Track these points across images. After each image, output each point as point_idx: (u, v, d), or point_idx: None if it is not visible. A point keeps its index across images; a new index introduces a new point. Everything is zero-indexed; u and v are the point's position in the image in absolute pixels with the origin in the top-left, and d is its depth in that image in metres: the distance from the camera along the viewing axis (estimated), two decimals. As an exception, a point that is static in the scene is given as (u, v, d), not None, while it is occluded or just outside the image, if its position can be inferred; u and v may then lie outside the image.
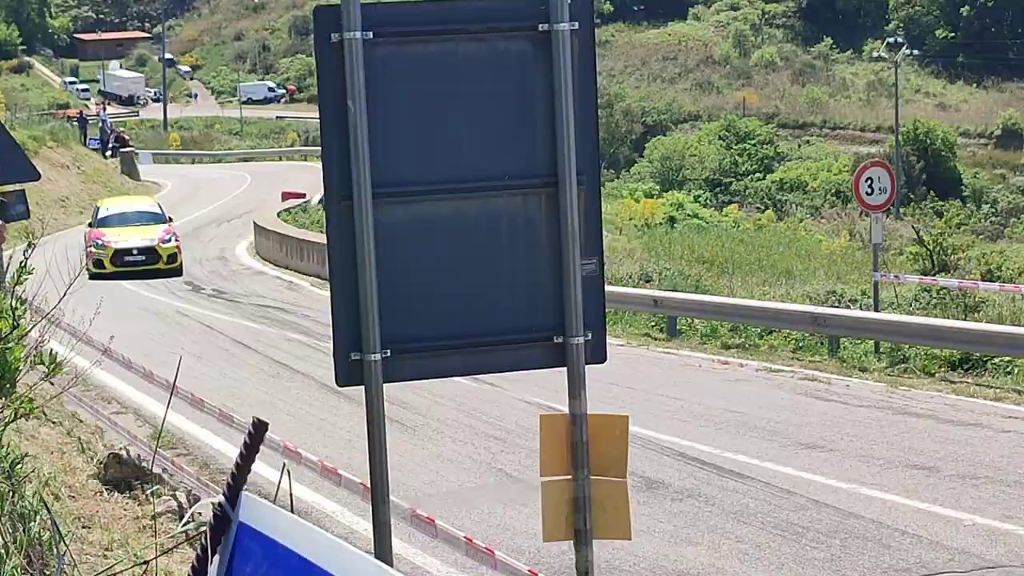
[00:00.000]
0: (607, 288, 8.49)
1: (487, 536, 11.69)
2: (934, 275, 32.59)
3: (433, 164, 7.55)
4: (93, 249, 39.29)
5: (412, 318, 7.56)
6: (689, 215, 76.44)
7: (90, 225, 41.31)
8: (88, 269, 36.47)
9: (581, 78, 7.62)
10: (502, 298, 7.69)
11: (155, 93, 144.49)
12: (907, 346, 22.74)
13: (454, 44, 7.54)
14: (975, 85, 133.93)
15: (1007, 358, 21.49)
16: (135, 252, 39.45)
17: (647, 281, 34.25)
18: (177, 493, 12.93)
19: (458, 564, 11.18)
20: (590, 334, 7.75)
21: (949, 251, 36.33)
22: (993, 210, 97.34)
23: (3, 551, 7.60)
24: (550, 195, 7.63)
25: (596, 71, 7.80)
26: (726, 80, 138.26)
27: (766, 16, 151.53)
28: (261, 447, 4.78)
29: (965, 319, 24.34)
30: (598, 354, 7.82)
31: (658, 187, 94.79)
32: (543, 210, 7.66)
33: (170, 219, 42.02)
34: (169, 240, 40.21)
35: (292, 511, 4.63)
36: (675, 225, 69.26)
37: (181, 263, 40.22)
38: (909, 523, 12.63)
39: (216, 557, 4.59)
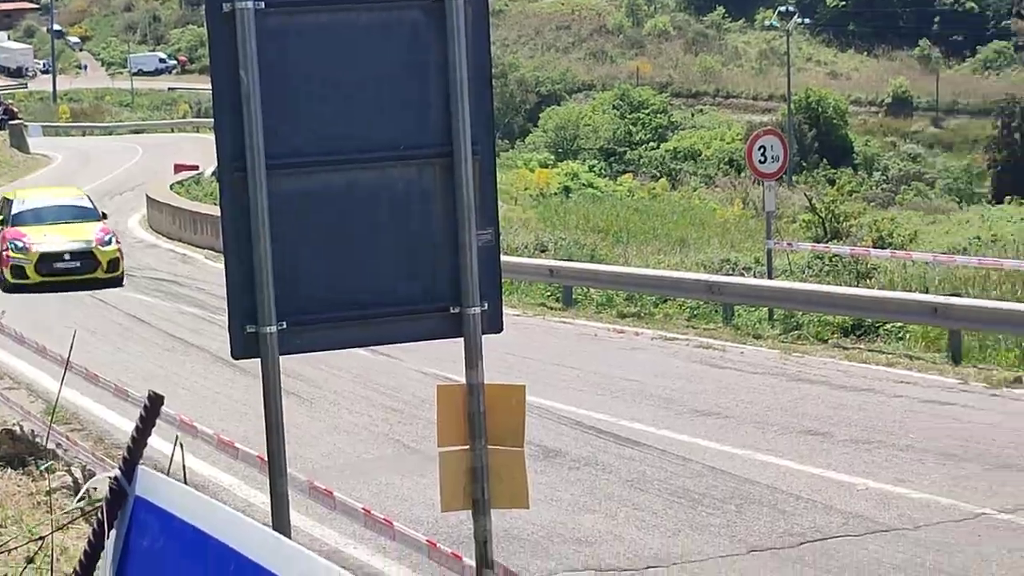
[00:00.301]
0: (503, 258, 8.48)
1: (385, 507, 11.69)
2: (826, 242, 32.91)
3: (327, 135, 7.50)
4: (12, 253, 31.51)
5: (307, 290, 7.52)
6: (584, 184, 76.74)
7: (2, 223, 32.97)
8: (5, 280, 31.30)
9: (475, 48, 7.60)
10: (398, 269, 7.66)
11: (44, 65, 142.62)
12: (800, 313, 22.95)
13: (346, 14, 7.48)
14: (866, 53, 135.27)
15: (898, 324, 21.75)
16: (67, 257, 31.62)
17: (543, 251, 34.38)
18: (72, 468, 12.83)
19: (356, 535, 11.18)
20: (486, 304, 7.74)
21: (841, 218, 36.68)
22: (884, 177, 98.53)
23: None
24: (445, 165, 7.61)
25: (490, 41, 7.78)
26: (620, 49, 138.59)
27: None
28: (157, 421, 4.76)
29: (857, 286, 24.61)
30: (494, 324, 7.82)
31: (553, 157, 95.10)
32: (438, 180, 7.64)
33: (104, 215, 34.45)
34: (109, 242, 32.26)
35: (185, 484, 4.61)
36: (570, 195, 69.54)
37: (123, 271, 32.44)
38: (803, 488, 12.75)
39: (113, 531, 4.57)
